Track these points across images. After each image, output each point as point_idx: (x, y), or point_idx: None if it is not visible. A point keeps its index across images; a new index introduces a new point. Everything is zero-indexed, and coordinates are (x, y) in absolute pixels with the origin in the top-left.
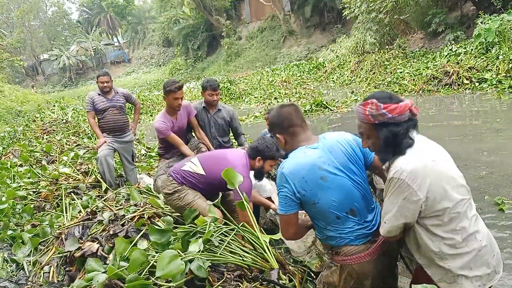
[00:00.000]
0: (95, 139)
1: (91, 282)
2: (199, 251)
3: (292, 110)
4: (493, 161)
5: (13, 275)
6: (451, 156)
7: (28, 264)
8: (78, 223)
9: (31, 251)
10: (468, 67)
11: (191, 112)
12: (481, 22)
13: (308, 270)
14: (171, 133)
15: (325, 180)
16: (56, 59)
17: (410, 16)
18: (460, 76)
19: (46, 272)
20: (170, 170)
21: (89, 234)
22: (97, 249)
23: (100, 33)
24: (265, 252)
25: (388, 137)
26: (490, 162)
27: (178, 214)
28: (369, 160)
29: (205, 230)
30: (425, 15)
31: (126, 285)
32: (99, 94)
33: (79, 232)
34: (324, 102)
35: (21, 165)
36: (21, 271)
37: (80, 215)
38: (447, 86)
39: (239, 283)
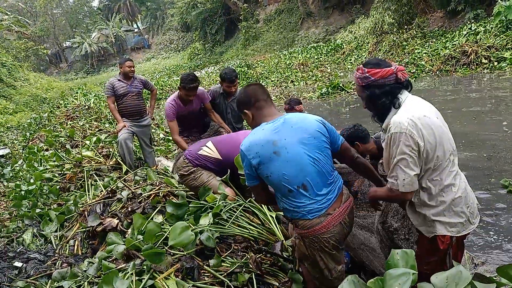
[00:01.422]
0: (116, 124)
1: (112, 253)
2: (208, 224)
3: (257, 87)
4: (499, 143)
5: (42, 248)
6: (459, 136)
7: (55, 238)
8: (99, 201)
9: (57, 227)
10: (487, 46)
11: (204, 99)
12: (502, 0)
13: None
14: (174, 119)
15: (278, 155)
16: (78, 46)
17: None
18: (479, 56)
19: (71, 246)
20: (186, 152)
21: (109, 211)
22: (117, 224)
23: (120, 19)
24: (271, 226)
25: (371, 96)
26: (497, 144)
27: (192, 193)
28: (336, 146)
29: (215, 205)
30: None
31: (142, 253)
32: (119, 80)
33: (100, 209)
34: (341, 85)
35: (46, 150)
36: (49, 245)
37: (101, 194)
38: (465, 66)
39: (246, 254)
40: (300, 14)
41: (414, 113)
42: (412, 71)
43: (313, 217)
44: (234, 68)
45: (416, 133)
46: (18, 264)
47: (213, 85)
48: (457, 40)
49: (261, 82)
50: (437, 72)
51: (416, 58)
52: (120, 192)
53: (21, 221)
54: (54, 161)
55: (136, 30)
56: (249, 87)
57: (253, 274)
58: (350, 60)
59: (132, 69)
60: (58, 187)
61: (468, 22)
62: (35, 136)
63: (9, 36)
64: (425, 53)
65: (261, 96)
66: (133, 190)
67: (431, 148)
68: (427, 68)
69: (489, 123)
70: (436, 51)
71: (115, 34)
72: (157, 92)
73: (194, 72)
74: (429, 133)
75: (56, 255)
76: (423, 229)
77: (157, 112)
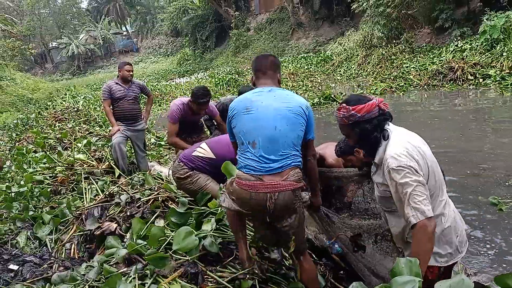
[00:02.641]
0: (106, 127)
1: (111, 257)
2: (211, 230)
3: (264, 59)
4: (486, 160)
5: (37, 251)
6: (446, 152)
7: (50, 241)
8: (97, 205)
9: (51, 230)
10: (473, 63)
11: (213, 113)
12: (487, 19)
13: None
14: (177, 123)
15: (248, 111)
16: (65, 47)
17: (418, 11)
18: (465, 72)
19: (67, 249)
20: (181, 155)
21: (107, 214)
22: (115, 229)
23: (109, 22)
24: None
25: (362, 133)
26: (483, 161)
27: (190, 198)
28: (306, 138)
29: (217, 211)
30: (432, 10)
31: (146, 257)
32: (116, 83)
33: (98, 213)
34: (332, 95)
35: (35, 152)
36: (44, 248)
37: (97, 198)
38: (451, 82)
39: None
40: (291, 25)
41: (406, 144)
42: (400, 85)
43: (246, 172)
44: (224, 75)
45: (414, 165)
46: (13, 267)
47: (223, 97)
48: (444, 56)
49: None
50: (425, 86)
51: (405, 72)
52: (118, 196)
53: (12, 223)
54: (45, 163)
55: (125, 33)
56: (259, 57)
57: (256, 281)
58: (340, 71)
59: (131, 73)
60: (49, 189)
61: (455, 39)
62: (22, 137)
63: None
64: (413, 67)
65: (262, 68)
66: (131, 194)
67: (425, 178)
68: (415, 82)
69: (475, 139)
70: (424, 66)
71: (103, 36)
72: None
73: (184, 78)
74: (423, 163)
75: (52, 258)
76: None
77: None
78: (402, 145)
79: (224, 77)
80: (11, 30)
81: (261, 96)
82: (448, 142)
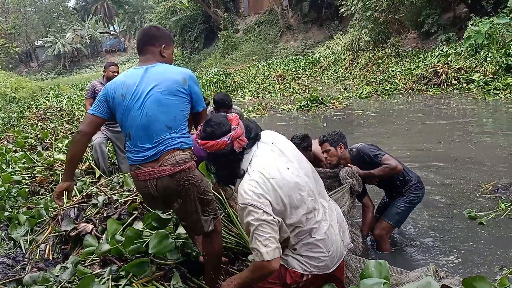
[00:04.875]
0: None
1: (87, 258)
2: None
3: (140, 34)
4: (461, 168)
5: (10, 252)
6: (423, 159)
7: (24, 242)
8: (74, 206)
9: (27, 231)
10: (457, 68)
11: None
12: (472, 24)
13: None
14: None
15: (124, 98)
16: (51, 46)
17: (405, 16)
18: (449, 77)
19: (42, 250)
20: None
21: (84, 216)
22: (91, 230)
23: (97, 21)
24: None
25: (214, 166)
26: (458, 170)
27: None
28: (194, 110)
29: None
30: (419, 15)
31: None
32: (101, 83)
33: (74, 214)
34: (320, 98)
35: (15, 151)
36: (18, 249)
37: (74, 198)
38: (436, 86)
39: (223, 265)
40: (280, 27)
41: (258, 177)
42: (386, 88)
43: (130, 163)
44: (211, 76)
45: (261, 202)
46: None
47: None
48: (429, 60)
49: (239, 92)
50: (410, 90)
51: (390, 76)
52: (96, 197)
53: None
54: (24, 163)
55: (112, 32)
56: (141, 30)
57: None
58: (327, 74)
59: (116, 74)
60: (27, 190)
61: (440, 44)
62: (2, 137)
63: None
64: (398, 71)
65: (139, 45)
66: (109, 196)
67: (281, 210)
68: (400, 86)
69: (453, 146)
70: (409, 70)
71: (90, 35)
72: None
73: None
74: (276, 196)
75: (26, 259)
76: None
77: None
78: (252, 179)
79: (212, 78)
80: None
81: (136, 79)
82: (426, 148)
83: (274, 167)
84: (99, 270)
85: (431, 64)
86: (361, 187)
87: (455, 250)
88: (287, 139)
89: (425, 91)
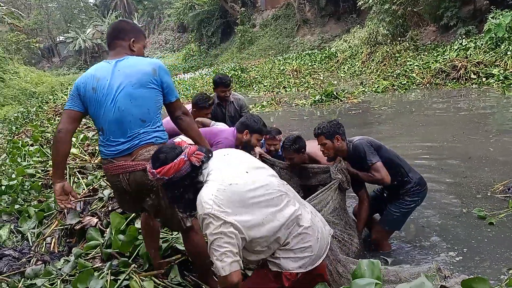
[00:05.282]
0: None
1: (89, 251)
2: None
3: (110, 29)
4: (473, 166)
5: (18, 245)
6: (435, 156)
7: (32, 235)
8: (80, 199)
9: (36, 224)
10: (476, 62)
11: None
12: (492, 17)
13: None
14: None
15: (95, 92)
16: (72, 41)
17: (424, 9)
18: (468, 71)
19: (48, 243)
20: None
21: (89, 209)
22: (96, 223)
23: (116, 16)
24: None
25: (174, 195)
26: (469, 168)
27: None
28: (166, 100)
29: None
30: (438, 8)
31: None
32: None
33: (80, 207)
34: (334, 93)
35: (32, 145)
36: (25, 241)
37: (83, 192)
38: (454, 80)
39: None
40: (297, 21)
41: (218, 186)
42: (403, 83)
43: (103, 157)
44: (228, 71)
45: (220, 212)
46: None
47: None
48: (448, 54)
49: (253, 87)
50: (427, 85)
51: (408, 70)
52: (102, 191)
53: None
54: (38, 157)
55: None
56: (111, 25)
57: None
58: (344, 68)
59: None
60: (40, 183)
61: (460, 38)
62: (21, 131)
63: (1, 28)
64: (416, 65)
65: (109, 39)
66: None
67: (246, 211)
68: (418, 81)
69: (468, 143)
70: (427, 64)
71: None
72: None
73: (188, 74)
74: (238, 199)
75: (32, 252)
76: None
77: None
78: (211, 189)
79: (227, 73)
80: (17, 23)
81: (106, 72)
82: (440, 145)
83: (232, 175)
84: (100, 264)
85: (449, 58)
86: (350, 185)
87: (462, 249)
88: (240, 151)
89: (443, 85)
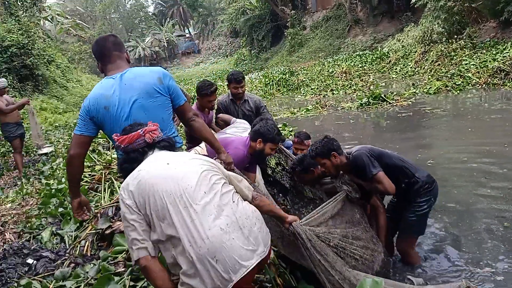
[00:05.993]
0: None
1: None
2: None
3: (103, 41)
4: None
5: (56, 247)
6: (482, 164)
7: (69, 238)
8: (112, 204)
9: (75, 228)
10: None
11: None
12: None
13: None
14: None
15: (107, 110)
16: (133, 50)
17: (482, 4)
18: None
19: (82, 246)
20: None
21: (120, 214)
22: None
23: (173, 25)
24: None
25: (121, 164)
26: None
27: None
28: (175, 104)
29: None
30: (497, 3)
31: None
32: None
33: (112, 212)
34: (383, 95)
35: None
36: (62, 244)
37: (116, 197)
38: None
39: None
40: (348, 21)
41: (132, 174)
42: (457, 83)
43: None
44: (277, 74)
45: (128, 200)
46: (30, 261)
47: (220, 96)
48: (508, 52)
49: (301, 90)
50: (484, 85)
51: (463, 69)
52: None
53: (45, 219)
54: (86, 162)
55: (187, 35)
56: (98, 41)
57: None
58: (395, 69)
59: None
60: (87, 187)
61: None
62: None
63: (68, 39)
64: (473, 64)
65: (106, 52)
66: None
67: (145, 204)
68: (474, 81)
69: None
70: (484, 63)
71: (167, 38)
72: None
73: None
74: (139, 192)
75: (67, 254)
76: None
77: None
78: (129, 177)
79: (275, 77)
80: (82, 35)
81: (112, 89)
82: (488, 152)
83: (151, 166)
84: (123, 269)
85: (510, 55)
86: (358, 193)
87: (498, 267)
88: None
89: (501, 85)
